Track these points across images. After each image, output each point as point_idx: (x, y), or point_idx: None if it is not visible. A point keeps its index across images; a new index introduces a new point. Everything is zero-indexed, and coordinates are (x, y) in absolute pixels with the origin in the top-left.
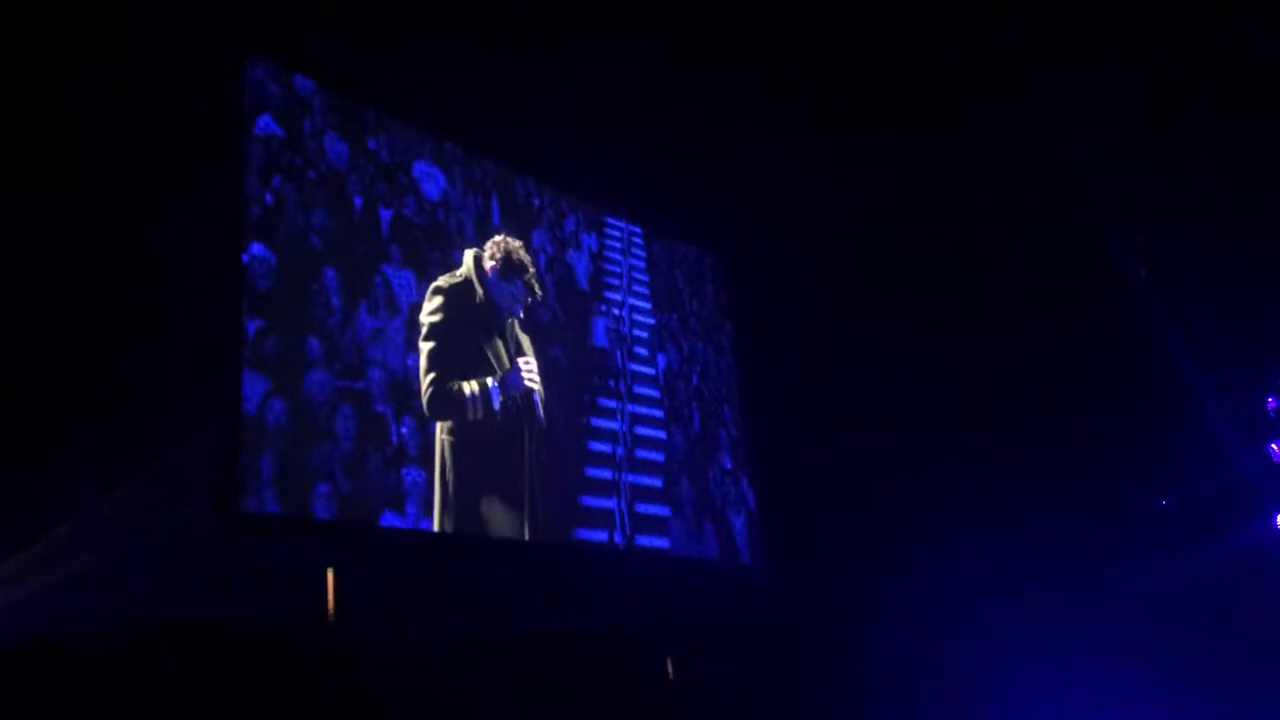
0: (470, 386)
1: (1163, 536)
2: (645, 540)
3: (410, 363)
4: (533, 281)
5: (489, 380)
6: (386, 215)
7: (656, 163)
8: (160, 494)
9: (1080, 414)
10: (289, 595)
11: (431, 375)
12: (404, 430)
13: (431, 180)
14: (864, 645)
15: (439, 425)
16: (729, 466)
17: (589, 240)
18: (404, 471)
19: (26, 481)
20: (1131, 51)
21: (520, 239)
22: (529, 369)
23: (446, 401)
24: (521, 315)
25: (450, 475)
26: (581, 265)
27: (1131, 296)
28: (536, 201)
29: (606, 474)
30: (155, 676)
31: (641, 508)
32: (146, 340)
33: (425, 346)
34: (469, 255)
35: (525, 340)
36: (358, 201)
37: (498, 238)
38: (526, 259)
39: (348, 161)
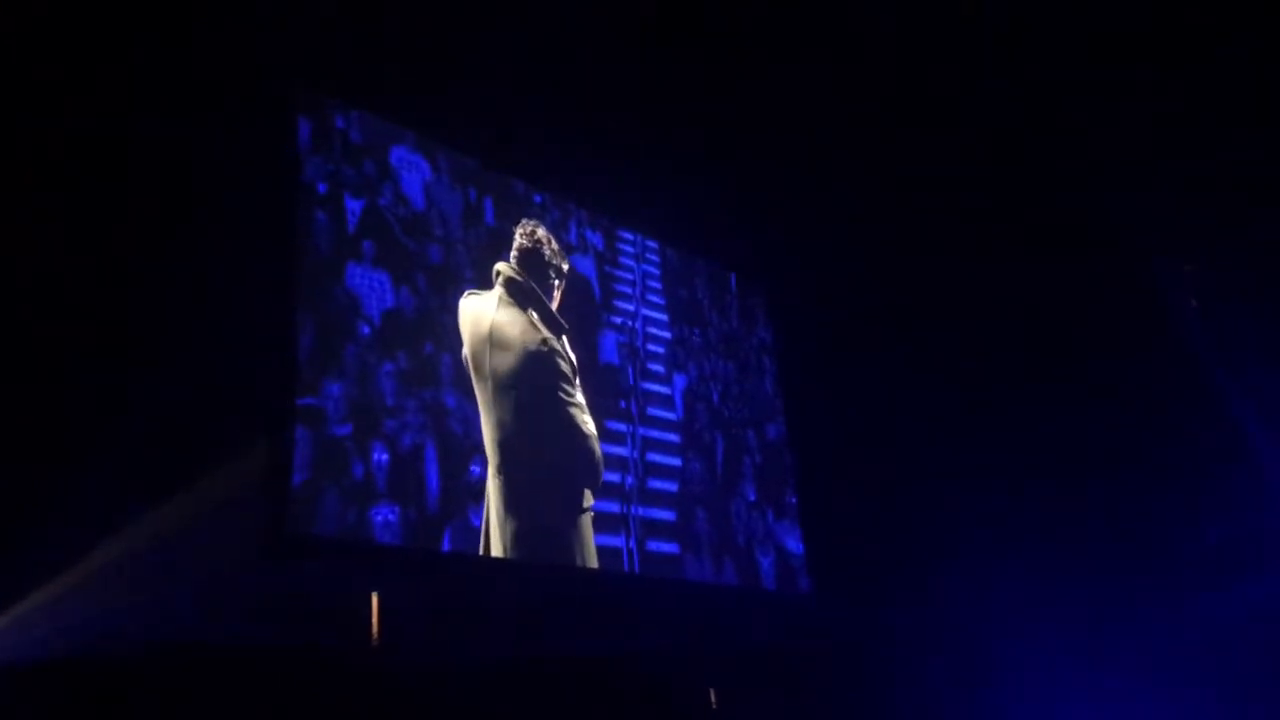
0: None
1: (1211, 569)
2: None
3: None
4: (551, 275)
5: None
6: (354, 206)
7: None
8: (206, 516)
9: (1127, 444)
10: (333, 618)
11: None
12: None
13: (413, 169)
14: (902, 676)
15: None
16: (753, 499)
17: (595, 238)
18: (373, 511)
19: (72, 502)
20: (1177, 76)
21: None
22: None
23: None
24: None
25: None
26: (589, 271)
27: (1181, 327)
28: (538, 199)
29: (614, 507)
30: (197, 699)
31: (653, 545)
32: (196, 360)
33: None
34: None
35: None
36: (321, 188)
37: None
38: (551, 249)
39: (310, 141)
